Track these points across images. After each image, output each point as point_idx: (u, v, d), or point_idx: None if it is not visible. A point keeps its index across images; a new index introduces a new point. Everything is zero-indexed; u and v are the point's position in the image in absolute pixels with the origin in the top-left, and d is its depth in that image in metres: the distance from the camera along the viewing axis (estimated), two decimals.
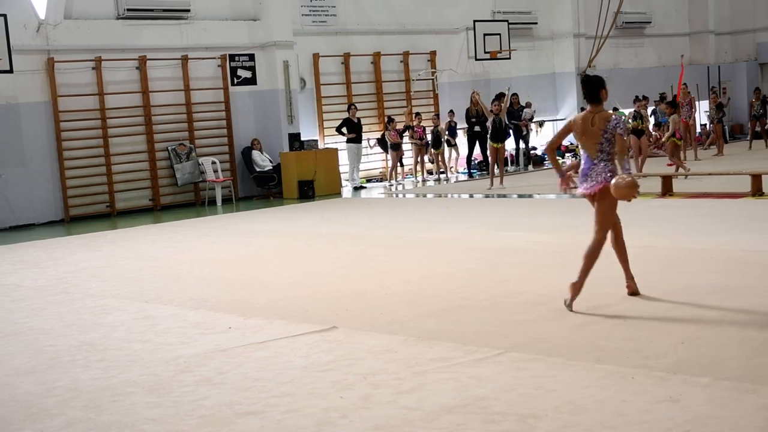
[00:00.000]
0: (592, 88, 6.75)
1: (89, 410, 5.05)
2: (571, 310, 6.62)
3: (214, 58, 18.79)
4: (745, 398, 4.47)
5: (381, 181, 20.98)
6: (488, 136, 17.56)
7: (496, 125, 17.29)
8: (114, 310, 8.01)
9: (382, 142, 20.55)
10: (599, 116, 6.74)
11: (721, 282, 7.29)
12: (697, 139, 23.02)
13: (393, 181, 20.31)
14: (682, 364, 5.14)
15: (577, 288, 6.69)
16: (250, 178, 19.09)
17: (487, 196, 16.34)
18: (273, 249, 11.37)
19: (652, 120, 21.70)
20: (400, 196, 18.31)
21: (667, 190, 13.86)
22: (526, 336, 6.03)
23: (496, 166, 17.56)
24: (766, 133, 23.26)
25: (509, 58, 22.98)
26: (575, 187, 6.94)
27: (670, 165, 17.33)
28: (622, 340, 5.76)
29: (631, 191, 6.46)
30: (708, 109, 23.96)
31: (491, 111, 17.45)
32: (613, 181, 6.53)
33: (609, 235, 6.87)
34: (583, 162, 6.85)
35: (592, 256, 6.68)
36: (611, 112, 6.87)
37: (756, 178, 13.08)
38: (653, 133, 20.65)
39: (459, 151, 21.83)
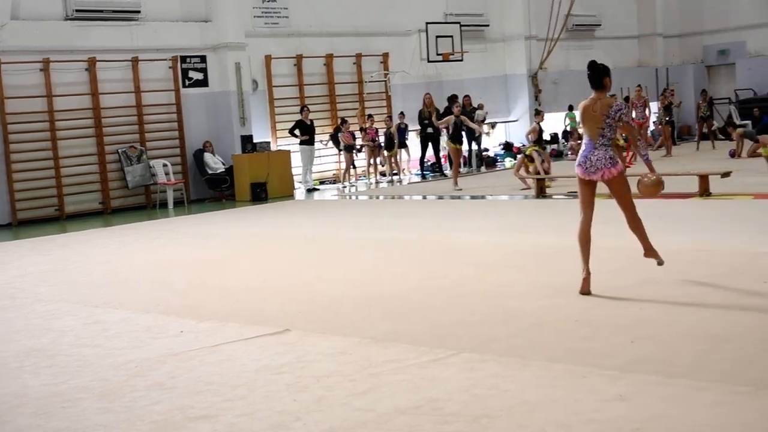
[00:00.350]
0: (597, 75, 7.22)
1: (38, 417, 4.96)
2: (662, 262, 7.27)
3: (165, 59, 18.61)
4: (696, 396, 4.53)
5: (334, 183, 20.95)
6: (449, 137, 17.68)
7: (458, 127, 17.43)
8: (63, 314, 7.88)
9: (334, 138, 20.50)
10: (602, 102, 7.18)
11: (673, 281, 7.37)
12: (648, 140, 23.31)
13: (346, 183, 20.30)
14: (634, 362, 5.19)
15: (652, 251, 7.30)
16: (202, 180, 18.94)
17: (440, 198, 16.40)
18: (226, 252, 11.29)
19: None
20: (354, 197, 18.29)
21: None
22: (480, 337, 6.05)
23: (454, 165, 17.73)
24: (713, 135, 23.65)
25: (461, 60, 23.09)
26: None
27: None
28: (575, 339, 5.81)
29: (657, 189, 7.26)
30: (657, 111, 24.27)
31: (453, 113, 17.60)
32: (641, 180, 7.18)
33: (579, 224, 7.20)
34: (584, 145, 7.23)
35: (639, 227, 7.25)
36: (611, 97, 7.29)
37: (703, 179, 13.29)
38: None
39: (410, 153, 21.90)
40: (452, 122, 17.44)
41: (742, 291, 6.90)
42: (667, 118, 22.66)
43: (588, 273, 7.09)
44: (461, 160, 19.54)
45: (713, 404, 4.39)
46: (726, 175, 13.86)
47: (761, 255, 8.24)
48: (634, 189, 7.34)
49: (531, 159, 16.44)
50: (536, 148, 16.68)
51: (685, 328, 5.91)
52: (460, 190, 16.84)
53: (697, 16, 28.78)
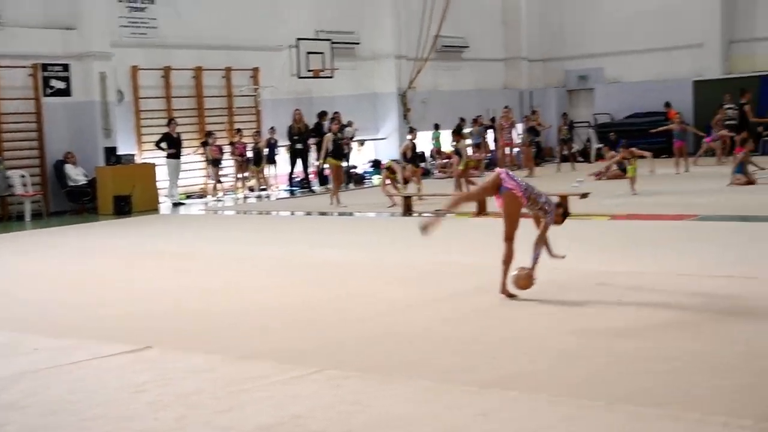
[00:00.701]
0: None
1: None
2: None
3: (24, 66, 17.94)
4: (551, 410, 4.68)
5: (201, 198, 20.64)
6: (330, 154, 17.72)
7: (337, 143, 17.58)
8: None
9: (205, 144, 20.20)
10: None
11: (533, 299, 7.60)
12: (511, 161, 23.94)
13: (213, 198, 20.05)
14: (496, 379, 5.32)
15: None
16: (62, 192, 18.32)
17: (308, 214, 16.40)
18: (85, 266, 10.95)
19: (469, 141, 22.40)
20: (221, 213, 18.08)
21: (482, 210, 14.34)
22: (345, 353, 6.08)
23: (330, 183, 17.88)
24: (573, 157, 24.51)
25: (332, 77, 23.20)
26: None
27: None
28: (439, 356, 5.91)
29: (528, 282, 7.50)
30: (521, 132, 24.97)
31: (330, 130, 17.76)
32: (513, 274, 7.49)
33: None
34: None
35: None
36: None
37: (563, 199, 13.73)
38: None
39: (279, 168, 21.84)
40: (331, 139, 17.55)
41: (599, 308, 7.17)
42: (530, 140, 23.32)
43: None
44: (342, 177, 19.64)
45: (566, 418, 4.54)
46: (584, 196, 14.38)
47: (617, 274, 8.59)
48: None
49: (392, 171, 16.69)
50: (396, 161, 17.03)
51: (543, 343, 6.09)
52: (345, 206, 16.86)
53: (559, 42, 29.86)
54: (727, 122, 23.06)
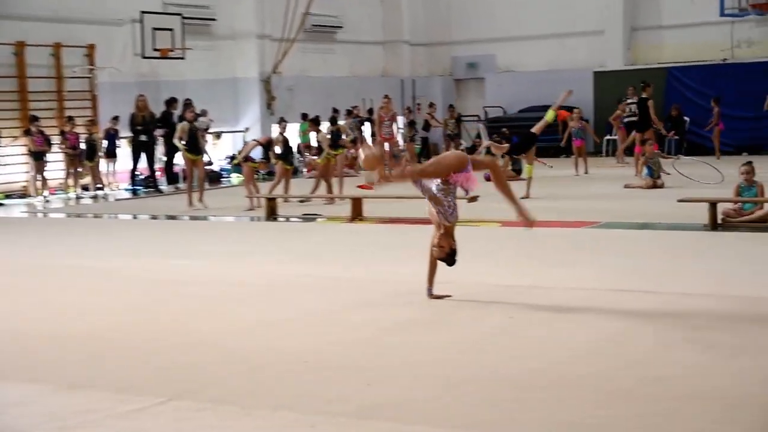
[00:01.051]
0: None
1: None
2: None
3: None
4: None
5: (23, 198, 19.99)
6: (186, 147, 17.06)
7: (194, 134, 16.90)
8: None
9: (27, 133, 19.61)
10: None
11: (410, 316, 7.63)
12: (390, 158, 24.10)
13: (37, 198, 19.47)
14: (370, 408, 5.30)
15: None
16: None
17: (154, 218, 16.10)
18: None
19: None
20: (47, 215, 17.56)
21: (357, 214, 14.37)
22: (194, 381, 5.96)
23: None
24: None
25: (183, 58, 22.88)
26: None
27: (362, 187, 18.10)
28: (304, 383, 5.85)
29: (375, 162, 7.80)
30: (403, 127, 25.21)
31: (186, 119, 17.12)
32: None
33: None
34: None
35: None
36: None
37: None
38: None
39: (119, 164, 21.43)
40: (187, 130, 16.90)
41: (486, 327, 7.24)
42: (411, 136, 23.51)
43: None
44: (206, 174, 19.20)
45: None
46: (473, 200, 14.56)
47: (507, 288, 8.70)
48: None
49: (255, 161, 16.67)
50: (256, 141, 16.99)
51: (424, 369, 6.11)
52: (206, 207, 16.52)
53: (445, 24, 30.25)
54: (627, 119, 23.83)
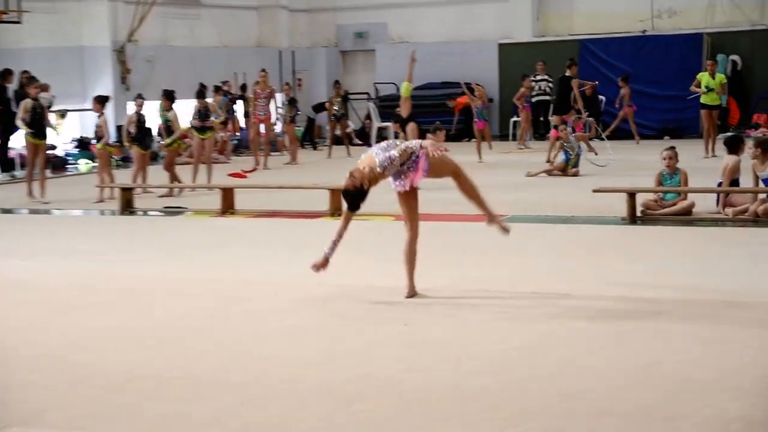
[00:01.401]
0: None
1: None
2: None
3: None
4: None
5: None
6: (28, 128, 16.46)
7: (38, 113, 16.29)
8: None
9: None
10: None
11: (291, 323, 7.63)
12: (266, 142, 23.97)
13: None
14: (245, 428, 5.28)
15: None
16: None
17: None
18: None
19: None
20: None
21: (228, 207, 14.26)
22: (35, 404, 5.89)
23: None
24: (349, 138, 24.82)
25: (19, 23, 22.42)
26: None
27: (234, 175, 18.11)
28: (167, 402, 5.82)
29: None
30: (281, 105, 25.08)
31: (29, 96, 16.61)
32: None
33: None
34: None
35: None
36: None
37: (335, 194, 13.84)
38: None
39: None
40: (30, 108, 16.25)
41: (380, 335, 7.28)
42: (292, 116, 23.38)
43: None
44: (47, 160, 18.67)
45: None
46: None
47: (401, 290, 8.75)
48: None
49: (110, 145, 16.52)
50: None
51: (310, 386, 6.10)
52: (47, 203, 16.07)
53: None
54: (537, 97, 24.12)
